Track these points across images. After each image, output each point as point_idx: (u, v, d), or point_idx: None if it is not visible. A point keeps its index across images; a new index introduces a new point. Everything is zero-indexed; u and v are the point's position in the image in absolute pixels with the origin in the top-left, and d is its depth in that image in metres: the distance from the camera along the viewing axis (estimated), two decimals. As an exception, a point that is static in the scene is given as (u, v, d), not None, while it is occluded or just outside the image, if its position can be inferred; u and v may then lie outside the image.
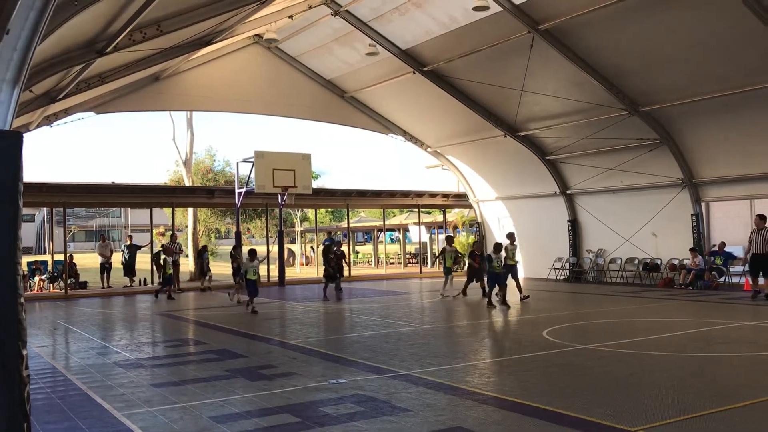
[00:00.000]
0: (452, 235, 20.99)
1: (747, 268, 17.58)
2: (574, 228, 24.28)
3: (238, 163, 25.38)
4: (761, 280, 16.72)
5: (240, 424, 6.34)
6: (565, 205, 24.42)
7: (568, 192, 24.25)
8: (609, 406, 6.69)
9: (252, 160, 23.43)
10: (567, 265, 24.31)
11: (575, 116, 21.05)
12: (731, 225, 22.03)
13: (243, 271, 16.21)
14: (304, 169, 24.00)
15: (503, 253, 16.24)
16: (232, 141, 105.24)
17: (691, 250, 20.15)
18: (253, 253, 16.22)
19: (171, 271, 20.65)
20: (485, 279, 17.35)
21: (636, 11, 16.19)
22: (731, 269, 20.08)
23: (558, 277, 24.19)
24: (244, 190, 24.50)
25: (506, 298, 15.67)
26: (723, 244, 20.06)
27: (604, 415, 6.24)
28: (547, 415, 6.40)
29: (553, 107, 21.11)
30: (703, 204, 20.61)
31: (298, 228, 42.84)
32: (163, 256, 20.82)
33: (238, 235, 25.72)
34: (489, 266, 16.25)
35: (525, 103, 21.21)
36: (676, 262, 20.77)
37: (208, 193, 27.65)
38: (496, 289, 16.09)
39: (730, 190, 19.86)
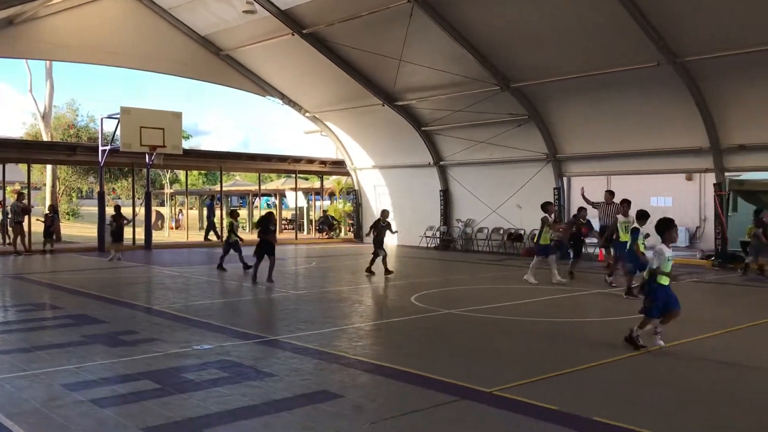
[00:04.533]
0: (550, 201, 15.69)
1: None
2: (446, 198, 24.98)
3: (102, 119, 23.97)
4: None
5: (95, 392, 6.05)
6: (438, 175, 25.03)
7: (442, 163, 24.86)
8: (469, 368, 6.98)
9: (118, 116, 22.17)
10: (438, 234, 25.03)
11: (451, 89, 21.50)
12: (590, 198, 23.49)
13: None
14: (174, 128, 23.01)
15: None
16: (98, 95, 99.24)
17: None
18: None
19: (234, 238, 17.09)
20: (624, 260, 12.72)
21: (511, -11, 16.67)
22: (587, 240, 21.43)
23: (429, 245, 24.87)
24: (108, 147, 23.17)
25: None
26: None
27: (464, 377, 6.50)
28: (410, 377, 6.58)
29: (429, 79, 21.43)
30: (565, 178, 21.80)
31: (167, 190, 41.21)
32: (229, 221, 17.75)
33: (101, 195, 24.36)
34: (631, 243, 11.76)
35: (403, 73, 21.38)
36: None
37: (69, 150, 25.97)
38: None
39: (590, 166, 21.12)
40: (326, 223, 31.54)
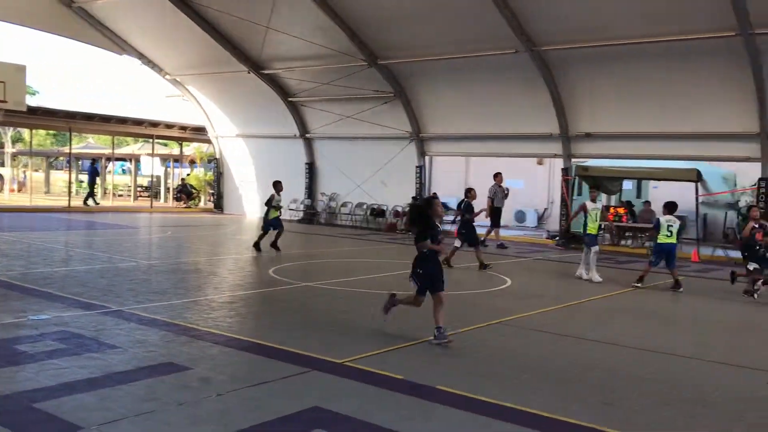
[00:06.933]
0: (594, 190, 13.56)
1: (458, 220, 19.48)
2: (311, 171, 24.87)
3: (-68, 68, 21.57)
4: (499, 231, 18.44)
5: None
6: (304, 148, 24.84)
7: (308, 135, 24.68)
8: (323, 340, 7.01)
9: (-49, 65, 20.04)
10: (302, 207, 24.92)
11: (319, 61, 21.31)
12: (449, 178, 24.32)
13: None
14: (17, 83, 21.06)
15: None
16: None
17: (412, 198, 21.82)
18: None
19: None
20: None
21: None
22: (444, 218, 22.20)
23: (292, 218, 24.68)
24: (-61, 99, 20.91)
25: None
26: (435, 195, 22.06)
27: (318, 348, 6.53)
28: (262, 350, 6.52)
29: (298, 49, 21.09)
30: (427, 157, 22.36)
31: (8, 149, 38.01)
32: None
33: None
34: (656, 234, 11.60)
35: (271, 41, 20.93)
36: (400, 208, 22.38)
37: None
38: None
39: (450, 146, 21.80)
40: (184, 192, 30.46)
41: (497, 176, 17.03)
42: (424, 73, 20.28)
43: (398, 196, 22.33)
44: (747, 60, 15.08)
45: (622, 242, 19.29)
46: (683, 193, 16.71)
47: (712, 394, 5.83)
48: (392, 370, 5.91)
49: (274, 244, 14.49)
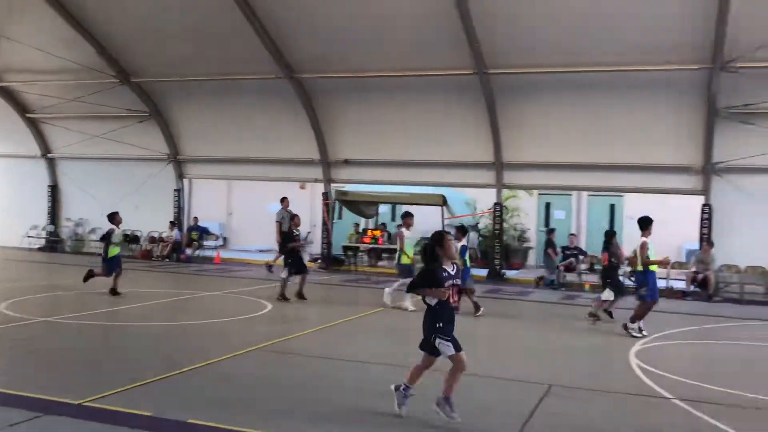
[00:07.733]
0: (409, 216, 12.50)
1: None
2: (54, 194, 22.71)
3: None
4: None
5: None
6: (46, 169, 22.61)
7: (50, 155, 22.52)
8: (61, 380, 6.37)
9: None
10: (44, 234, 22.60)
11: (63, 75, 19.60)
12: (211, 201, 23.71)
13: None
14: None
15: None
16: None
17: (170, 223, 20.91)
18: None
19: None
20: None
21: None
22: (205, 243, 21.58)
23: (32, 246, 22.27)
24: None
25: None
26: (196, 219, 21.38)
27: (53, 390, 5.89)
28: (-18, 397, 5.70)
29: (37, 61, 19.18)
30: (186, 180, 21.56)
31: None
32: None
33: None
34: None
35: (5, 50, 18.86)
36: (156, 234, 21.28)
37: None
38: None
39: (211, 169, 21.27)
40: None
41: (284, 201, 17.03)
42: (182, 93, 19.61)
43: (154, 221, 21.23)
44: (483, 96, 16.76)
45: (380, 263, 20.24)
46: (431, 216, 18.02)
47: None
48: (140, 407, 5.50)
49: (113, 290, 12.25)
